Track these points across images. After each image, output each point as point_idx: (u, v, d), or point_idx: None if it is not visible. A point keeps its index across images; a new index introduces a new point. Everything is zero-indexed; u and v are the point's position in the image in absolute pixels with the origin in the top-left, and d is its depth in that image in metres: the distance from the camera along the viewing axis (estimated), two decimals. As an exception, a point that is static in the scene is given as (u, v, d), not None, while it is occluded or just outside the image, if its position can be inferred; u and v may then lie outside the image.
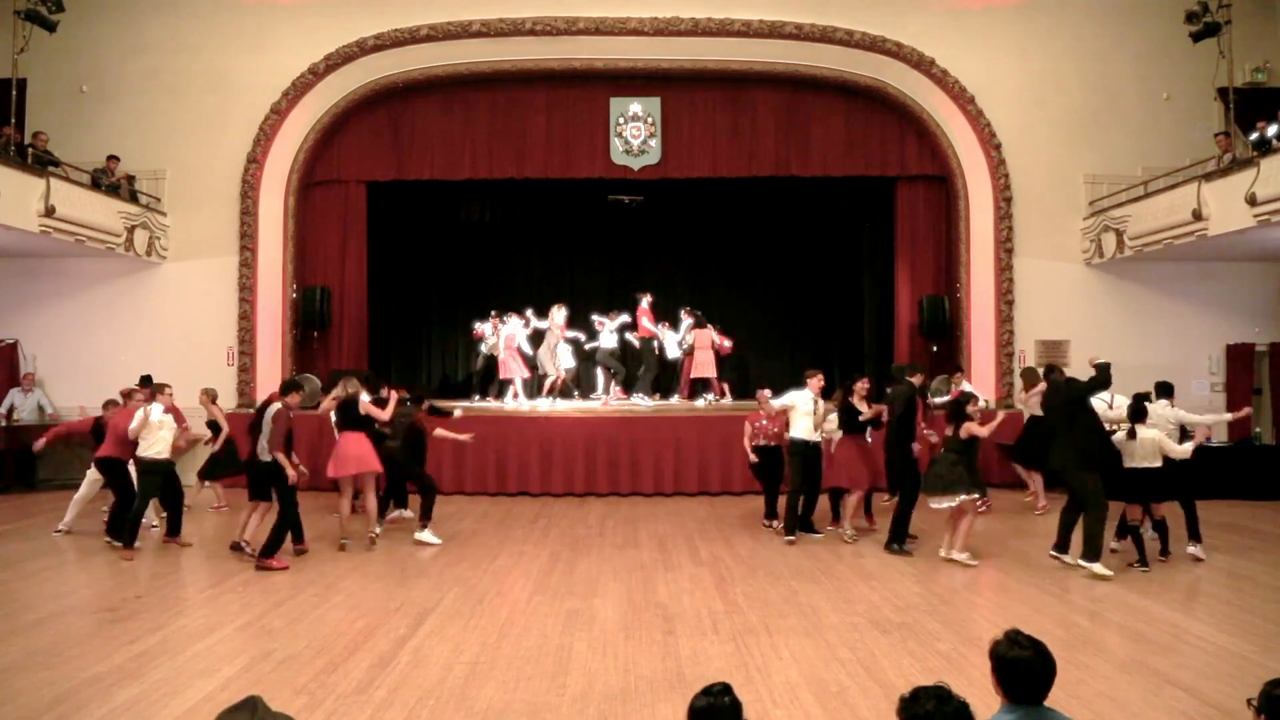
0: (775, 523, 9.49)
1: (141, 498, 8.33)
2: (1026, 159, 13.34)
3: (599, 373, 14.27)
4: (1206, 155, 11.65)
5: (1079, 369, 11.98)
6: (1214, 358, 13.33)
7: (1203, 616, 6.34)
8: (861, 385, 8.88)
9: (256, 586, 7.15)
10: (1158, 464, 7.68)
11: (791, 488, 9.00)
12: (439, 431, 9.72)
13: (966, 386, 10.55)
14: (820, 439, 9.04)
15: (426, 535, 8.78)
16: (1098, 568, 7.33)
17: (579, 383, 14.49)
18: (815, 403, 8.91)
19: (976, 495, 7.83)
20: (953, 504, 7.79)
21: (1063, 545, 7.70)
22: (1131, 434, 7.68)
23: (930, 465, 8.12)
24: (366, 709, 4.58)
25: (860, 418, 8.73)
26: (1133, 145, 13.21)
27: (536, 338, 13.48)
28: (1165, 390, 8.77)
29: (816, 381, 8.96)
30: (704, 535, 9.35)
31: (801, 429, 8.84)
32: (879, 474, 9.23)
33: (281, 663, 5.28)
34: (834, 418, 9.05)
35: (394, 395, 8.92)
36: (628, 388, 13.96)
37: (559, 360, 13.29)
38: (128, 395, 9.07)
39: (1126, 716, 4.51)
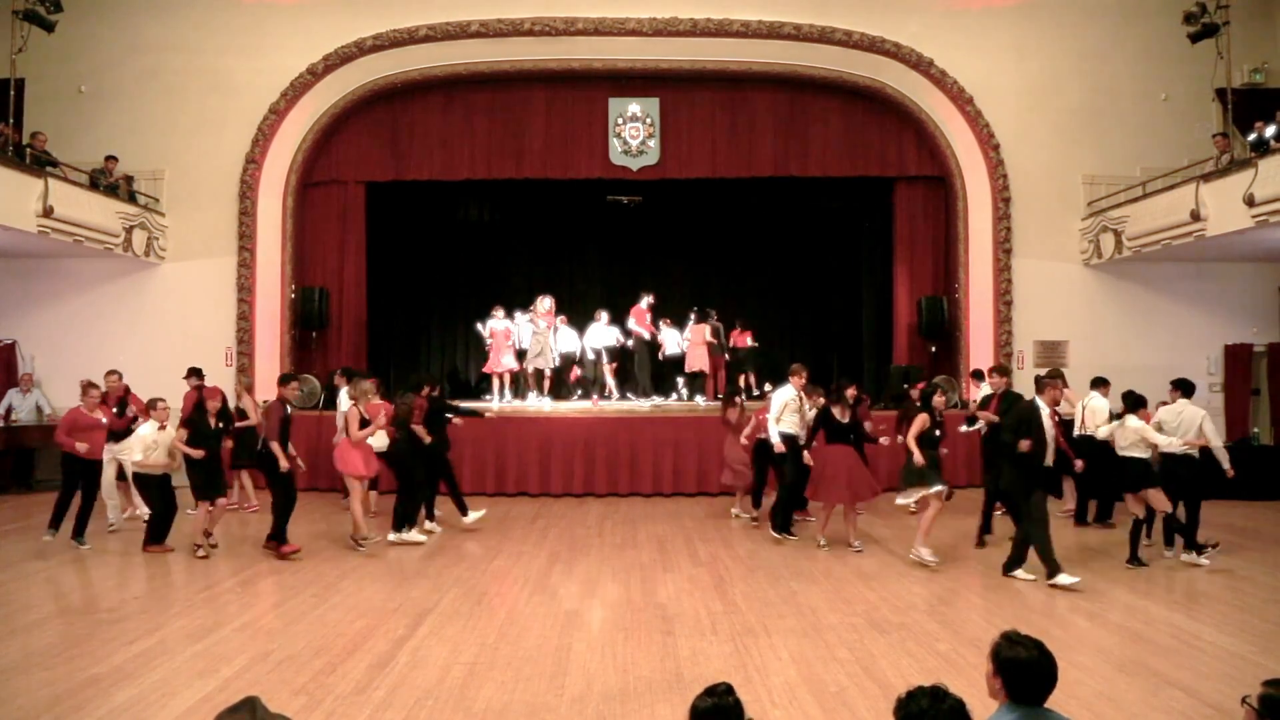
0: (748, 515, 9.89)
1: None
2: (1025, 160, 13.35)
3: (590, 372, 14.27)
4: (1205, 156, 11.64)
5: (1078, 369, 12.01)
6: (1212, 358, 13.33)
7: (1202, 617, 6.34)
8: (851, 392, 8.73)
9: (254, 587, 7.15)
10: (1143, 454, 7.87)
11: (790, 484, 9.01)
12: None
13: (985, 389, 10.49)
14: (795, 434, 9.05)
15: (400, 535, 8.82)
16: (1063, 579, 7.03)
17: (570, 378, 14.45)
18: (800, 399, 9.08)
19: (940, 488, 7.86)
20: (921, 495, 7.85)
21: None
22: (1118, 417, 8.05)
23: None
24: (365, 709, 4.58)
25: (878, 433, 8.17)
26: (1131, 146, 13.22)
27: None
28: (1137, 403, 8.18)
29: (799, 379, 9.19)
30: (703, 536, 9.36)
31: (788, 424, 8.98)
32: (862, 488, 8.60)
33: (280, 663, 5.27)
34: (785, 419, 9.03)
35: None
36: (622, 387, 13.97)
37: (552, 353, 13.28)
38: (90, 387, 8.93)
39: (1125, 717, 4.51)
